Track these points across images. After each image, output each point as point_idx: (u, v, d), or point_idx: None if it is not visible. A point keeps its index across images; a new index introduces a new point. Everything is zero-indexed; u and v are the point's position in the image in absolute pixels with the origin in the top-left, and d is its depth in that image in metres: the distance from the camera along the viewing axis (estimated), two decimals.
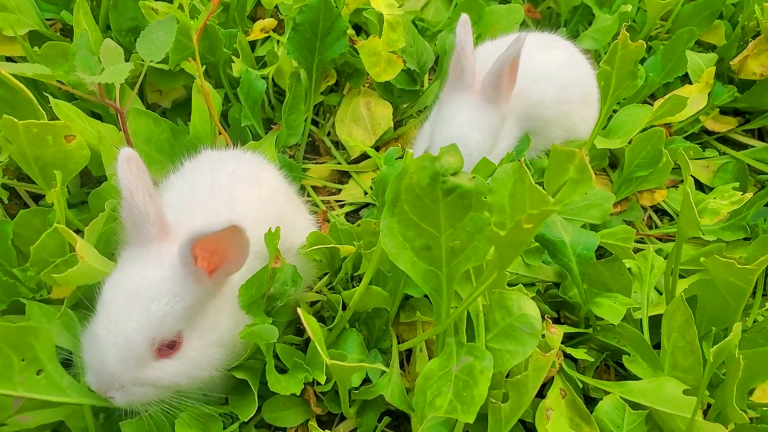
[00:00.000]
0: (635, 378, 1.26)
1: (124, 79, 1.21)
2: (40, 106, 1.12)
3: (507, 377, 1.10)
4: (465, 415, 0.90)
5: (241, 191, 1.16)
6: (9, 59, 1.63)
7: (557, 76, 1.65)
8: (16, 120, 1.02)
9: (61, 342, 1.10)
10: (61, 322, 1.09)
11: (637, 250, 1.64)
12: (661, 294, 1.48)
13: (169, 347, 1.00)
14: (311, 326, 0.90)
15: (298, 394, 1.05)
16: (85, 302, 1.11)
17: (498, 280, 0.99)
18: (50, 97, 1.26)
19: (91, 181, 1.63)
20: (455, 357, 1.04)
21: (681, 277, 1.47)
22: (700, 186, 1.86)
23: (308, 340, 1.30)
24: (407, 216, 1.03)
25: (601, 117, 1.51)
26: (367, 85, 1.94)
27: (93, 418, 1.08)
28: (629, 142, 1.68)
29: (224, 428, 1.14)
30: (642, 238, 1.72)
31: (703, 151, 1.88)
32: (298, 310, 0.90)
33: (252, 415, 1.08)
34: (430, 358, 1.28)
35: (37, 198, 1.62)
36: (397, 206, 1.03)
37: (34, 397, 0.95)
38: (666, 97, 1.60)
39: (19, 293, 1.14)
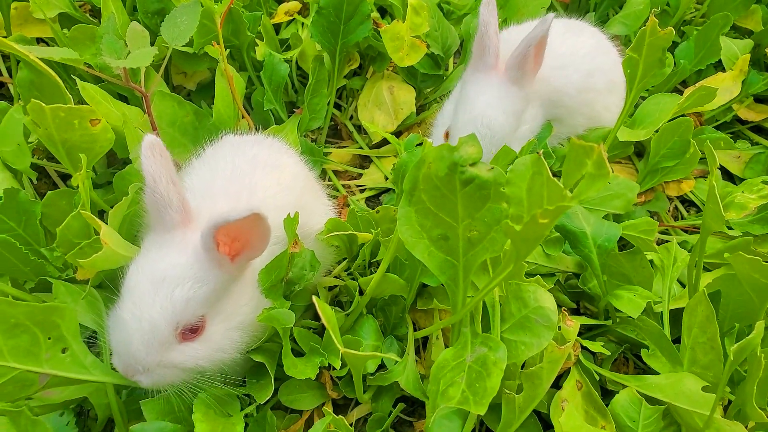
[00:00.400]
0: (653, 372, 1.24)
1: (148, 63, 1.23)
2: (66, 89, 1.14)
3: (522, 368, 1.10)
4: (477, 406, 0.90)
5: (262, 177, 1.17)
6: (39, 41, 1.67)
7: (582, 63, 1.62)
8: (44, 104, 1.04)
9: (86, 321, 1.13)
10: (85, 301, 1.12)
11: (661, 242, 1.61)
12: (683, 287, 1.45)
13: (192, 331, 1.02)
14: (325, 314, 0.91)
15: (314, 378, 1.06)
16: (108, 283, 1.15)
17: (514, 272, 0.98)
18: (78, 80, 1.29)
19: (117, 161, 1.66)
20: (470, 347, 1.04)
21: (705, 270, 1.45)
22: (730, 177, 1.81)
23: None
24: (425, 205, 1.03)
25: (626, 106, 1.48)
26: (390, 69, 1.93)
27: (116, 396, 1.11)
28: (656, 132, 1.64)
29: (241, 409, 1.16)
30: (667, 230, 1.69)
31: (735, 141, 1.83)
32: (313, 297, 0.91)
33: (268, 397, 1.10)
34: (445, 346, 1.29)
35: (66, 177, 1.66)
36: (414, 195, 1.03)
37: (59, 374, 0.98)
38: (694, 87, 1.55)
39: (46, 272, 1.18)
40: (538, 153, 0.90)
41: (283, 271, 1.11)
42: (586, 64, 1.62)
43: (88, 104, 1.29)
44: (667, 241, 1.61)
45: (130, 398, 1.18)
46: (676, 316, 1.34)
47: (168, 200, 1.00)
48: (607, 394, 1.29)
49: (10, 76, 1.76)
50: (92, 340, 1.11)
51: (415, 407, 1.31)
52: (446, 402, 0.92)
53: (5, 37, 1.33)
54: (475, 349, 1.02)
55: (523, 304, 1.07)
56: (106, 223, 1.04)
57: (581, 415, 1.17)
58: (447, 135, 1.52)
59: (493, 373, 0.94)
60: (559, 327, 1.12)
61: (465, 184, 0.99)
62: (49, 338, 0.97)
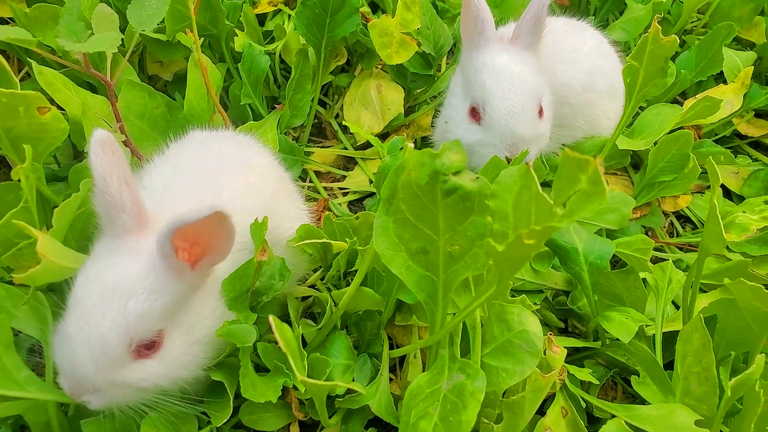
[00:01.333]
0: (643, 401, 1.16)
1: (113, 49, 1.13)
2: (15, 74, 1.04)
3: (503, 396, 1.01)
4: None
5: (229, 177, 1.07)
6: (2, 21, 1.56)
7: (585, 62, 1.56)
8: None
9: (28, 329, 1.03)
10: (28, 307, 1.02)
11: (656, 260, 1.54)
12: (678, 308, 1.37)
13: (148, 348, 0.92)
14: (283, 336, 0.82)
15: (274, 401, 0.97)
16: (57, 286, 1.05)
17: (497, 292, 0.90)
18: (33, 64, 1.19)
19: (83, 153, 1.56)
20: (446, 373, 0.95)
21: (701, 291, 1.37)
22: (728, 194, 1.74)
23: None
24: (403, 216, 0.94)
25: (625, 115, 1.39)
26: (379, 67, 1.84)
27: (58, 413, 1.01)
28: (654, 144, 1.57)
29: (199, 428, 1.07)
30: (662, 246, 1.61)
31: (735, 156, 1.75)
32: (270, 318, 0.81)
33: (226, 419, 1.01)
34: (423, 365, 1.21)
35: None
36: (393, 204, 0.94)
37: None
38: (698, 97, 1.48)
39: None
40: (527, 164, 0.82)
41: (249, 281, 1.02)
42: (588, 63, 1.56)
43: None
44: (661, 259, 1.54)
45: (77, 413, 1.08)
46: (669, 338, 1.26)
47: (120, 203, 0.89)
48: (593, 422, 1.21)
49: None
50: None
51: (388, 429, 1.22)
52: None
53: None
54: (453, 375, 0.93)
55: (506, 327, 0.98)
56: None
57: None
58: (474, 110, 1.41)
59: (469, 405, 0.86)
60: (545, 352, 1.03)
61: (447, 195, 0.90)
62: None
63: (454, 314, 1.05)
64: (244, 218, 0.99)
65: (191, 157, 1.08)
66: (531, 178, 0.80)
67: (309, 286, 1.32)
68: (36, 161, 1.03)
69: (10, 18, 1.61)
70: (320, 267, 1.32)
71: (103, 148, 0.86)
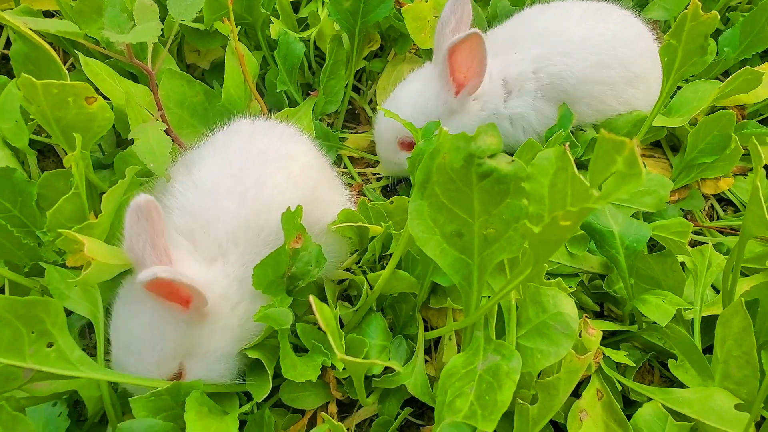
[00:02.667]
0: (681, 385, 1.15)
1: (155, 39, 1.16)
2: (63, 65, 1.08)
3: (538, 377, 1.02)
4: (485, 422, 0.82)
5: (271, 172, 1.10)
6: (47, 14, 1.61)
7: (593, 54, 1.49)
8: (34, 79, 0.98)
9: (80, 309, 1.08)
10: (80, 289, 1.07)
11: (695, 243, 1.51)
12: (717, 292, 1.35)
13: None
14: (323, 316, 0.84)
15: (314, 381, 1.00)
16: None
17: (533, 274, 0.90)
18: (80, 55, 1.23)
19: (127, 141, 1.61)
20: (482, 353, 0.96)
21: (742, 275, 1.35)
22: None
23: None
24: (438, 199, 0.95)
25: (662, 96, 1.37)
26: (413, 51, 1.84)
27: (109, 389, 1.06)
28: (694, 124, 1.53)
29: (240, 406, 1.11)
30: (701, 230, 1.58)
31: None
32: (310, 298, 0.84)
33: (265, 396, 1.04)
34: (458, 347, 1.22)
35: None
36: (427, 188, 0.95)
37: (43, 370, 0.93)
38: (739, 71, 1.43)
39: (40, 256, 1.13)
40: (563, 145, 0.81)
41: (281, 268, 1.04)
42: (596, 56, 1.49)
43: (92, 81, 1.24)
44: (700, 243, 1.52)
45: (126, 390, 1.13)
46: (708, 323, 1.24)
47: (141, 259, 0.94)
48: (629, 405, 1.21)
49: None
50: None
51: (424, 410, 1.24)
52: (453, 415, 0.85)
53: (10, 9, 1.28)
54: (488, 356, 0.94)
55: (541, 309, 0.99)
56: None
57: (601, 428, 1.09)
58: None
59: (505, 385, 0.87)
60: (580, 334, 1.03)
61: (482, 178, 0.91)
62: (33, 332, 0.92)
63: (489, 297, 1.06)
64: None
65: (236, 151, 1.11)
66: (567, 160, 0.80)
67: (344, 270, 1.34)
68: (84, 149, 1.07)
69: (54, 11, 1.67)
70: (356, 251, 1.34)
71: (138, 214, 0.91)
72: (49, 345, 0.93)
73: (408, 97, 1.46)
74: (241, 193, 1.05)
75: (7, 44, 1.74)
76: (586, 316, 1.01)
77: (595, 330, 0.99)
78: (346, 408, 1.24)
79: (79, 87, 1.02)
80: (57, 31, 1.03)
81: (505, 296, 0.98)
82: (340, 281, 1.35)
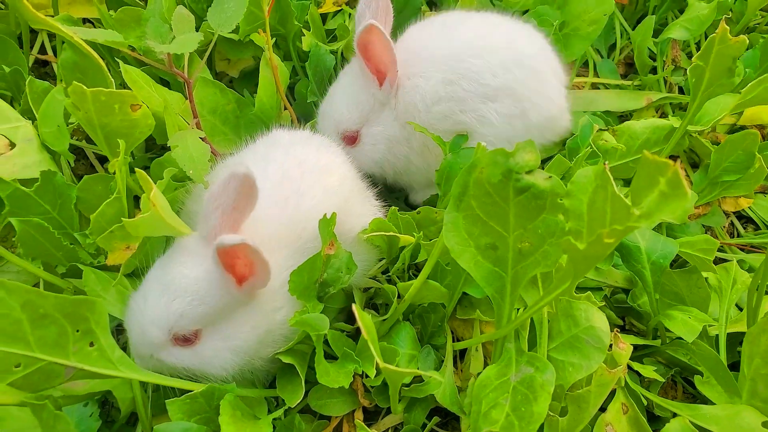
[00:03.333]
0: (704, 401, 1.17)
1: (193, 49, 1.19)
2: (109, 73, 1.11)
3: (567, 390, 1.03)
4: None
5: (311, 182, 1.13)
6: (86, 21, 1.65)
7: (438, 70, 1.39)
8: (85, 87, 1.01)
9: (114, 311, 1.10)
10: (115, 290, 1.09)
11: (716, 260, 1.52)
12: (741, 310, 1.37)
13: (185, 340, 1.03)
14: (365, 323, 0.86)
15: (346, 387, 1.01)
16: (140, 271, 1.12)
17: (569, 288, 0.92)
18: (121, 63, 1.25)
19: (155, 146, 1.63)
20: (514, 366, 0.98)
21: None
22: None
23: (359, 329, 1.27)
24: (474, 212, 0.97)
25: (689, 115, 1.39)
26: None
27: (141, 391, 1.08)
28: (716, 143, 1.55)
29: (269, 412, 1.12)
30: (722, 247, 1.59)
31: None
32: (353, 306, 0.86)
33: (299, 401, 1.06)
34: (485, 359, 1.23)
35: (103, 159, 1.63)
36: (463, 201, 0.98)
37: (86, 369, 0.95)
38: (758, 79, 1.43)
39: (78, 258, 1.15)
40: (604, 165, 0.83)
41: (316, 273, 1.06)
42: (442, 72, 1.39)
43: (129, 88, 1.27)
44: (721, 260, 1.53)
45: (156, 393, 1.15)
46: (732, 339, 1.26)
47: (209, 215, 0.99)
48: (653, 420, 1.21)
49: (55, 55, 1.75)
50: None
51: (448, 419, 1.26)
52: (489, 425, 0.87)
53: (51, 16, 1.31)
54: (521, 368, 0.96)
55: (573, 323, 1.01)
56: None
57: None
58: None
59: (540, 397, 0.88)
60: (610, 347, 1.05)
61: (519, 193, 0.93)
62: (77, 331, 0.94)
63: (518, 309, 1.08)
64: None
65: (277, 161, 1.14)
66: (606, 178, 0.82)
67: (370, 278, 1.36)
68: (125, 154, 1.09)
69: (90, 19, 1.70)
70: (382, 259, 1.36)
71: (230, 181, 0.94)
72: (91, 344, 0.95)
73: (341, 94, 1.44)
74: (282, 201, 1.07)
75: (41, 50, 1.78)
76: (617, 331, 1.02)
77: (625, 344, 1.00)
78: (371, 416, 1.25)
79: (125, 95, 1.05)
80: (105, 40, 1.06)
81: (538, 310, 1.00)
82: (365, 290, 1.37)
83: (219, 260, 0.95)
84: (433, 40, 1.43)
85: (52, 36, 1.80)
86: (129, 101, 1.06)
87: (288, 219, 1.07)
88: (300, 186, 1.11)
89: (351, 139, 1.45)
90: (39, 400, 0.91)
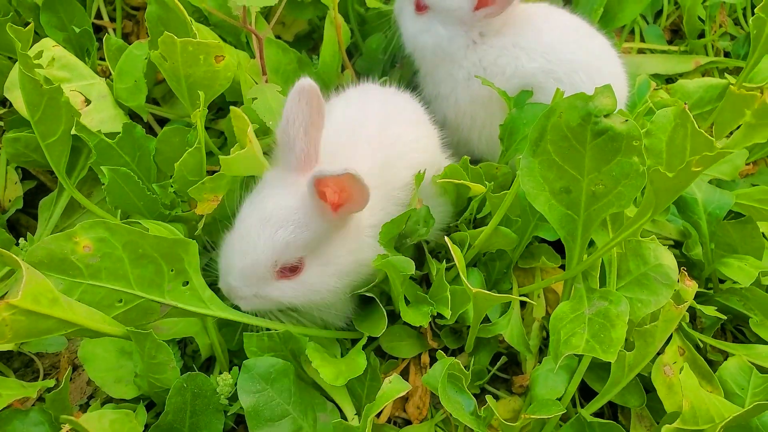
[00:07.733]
0: (760, 341, 1.21)
1: (273, 3, 1.22)
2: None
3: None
4: (605, 354, 0.89)
5: (403, 131, 1.18)
6: None
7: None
8: (175, 37, 1.05)
9: None
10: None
11: None
12: None
13: (291, 270, 1.06)
14: (457, 256, 0.91)
15: (426, 325, 1.07)
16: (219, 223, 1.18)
17: (639, 227, 0.97)
18: (192, 21, 1.30)
19: (214, 106, 1.67)
20: (586, 302, 1.03)
21: None
22: None
23: (425, 276, 1.32)
24: (550, 156, 1.02)
25: (746, 69, 1.40)
26: None
27: (219, 336, 1.15)
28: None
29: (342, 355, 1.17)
30: None
31: None
32: (446, 240, 0.91)
33: (383, 330, 1.09)
34: (547, 306, 1.28)
35: (161, 122, 1.68)
36: (540, 146, 1.02)
37: (179, 306, 1.01)
38: None
39: (158, 208, 1.20)
40: (684, 105, 0.88)
41: (401, 226, 1.11)
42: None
43: None
44: None
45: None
46: None
47: (291, 144, 1.02)
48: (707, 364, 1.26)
49: (111, 21, 1.79)
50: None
51: (509, 363, 1.31)
52: (570, 350, 0.92)
53: None
54: (594, 303, 1.01)
55: (642, 262, 1.05)
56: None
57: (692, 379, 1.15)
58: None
59: (617, 325, 0.94)
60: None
61: (597, 136, 0.97)
62: (172, 270, 1.00)
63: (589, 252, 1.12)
64: (411, 173, 1.13)
65: (374, 106, 1.19)
66: (686, 117, 0.87)
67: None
68: (204, 106, 1.14)
69: None
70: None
71: (300, 95, 0.97)
72: (185, 283, 1.01)
73: None
74: (377, 143, 1.12)
75: (97, 15, 1.83)
76: (684, 269, 1.07)
77: (692, 281, 1.05)
78: (434, 360, 1.31)
79: (211, 45, 1.09)
80: None
81: (610, 249, 1.05)
82: (428, 241, 1.41)
83: (314, 189, 0.98)
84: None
85: (108, 2, 1.85)
86: (214, 52, 1.10)
87: (381, 160, 1.11)
88: (395, 131, 1.15)
89: (423, 7, 1.39)
90: (143, 331, 0.97)
